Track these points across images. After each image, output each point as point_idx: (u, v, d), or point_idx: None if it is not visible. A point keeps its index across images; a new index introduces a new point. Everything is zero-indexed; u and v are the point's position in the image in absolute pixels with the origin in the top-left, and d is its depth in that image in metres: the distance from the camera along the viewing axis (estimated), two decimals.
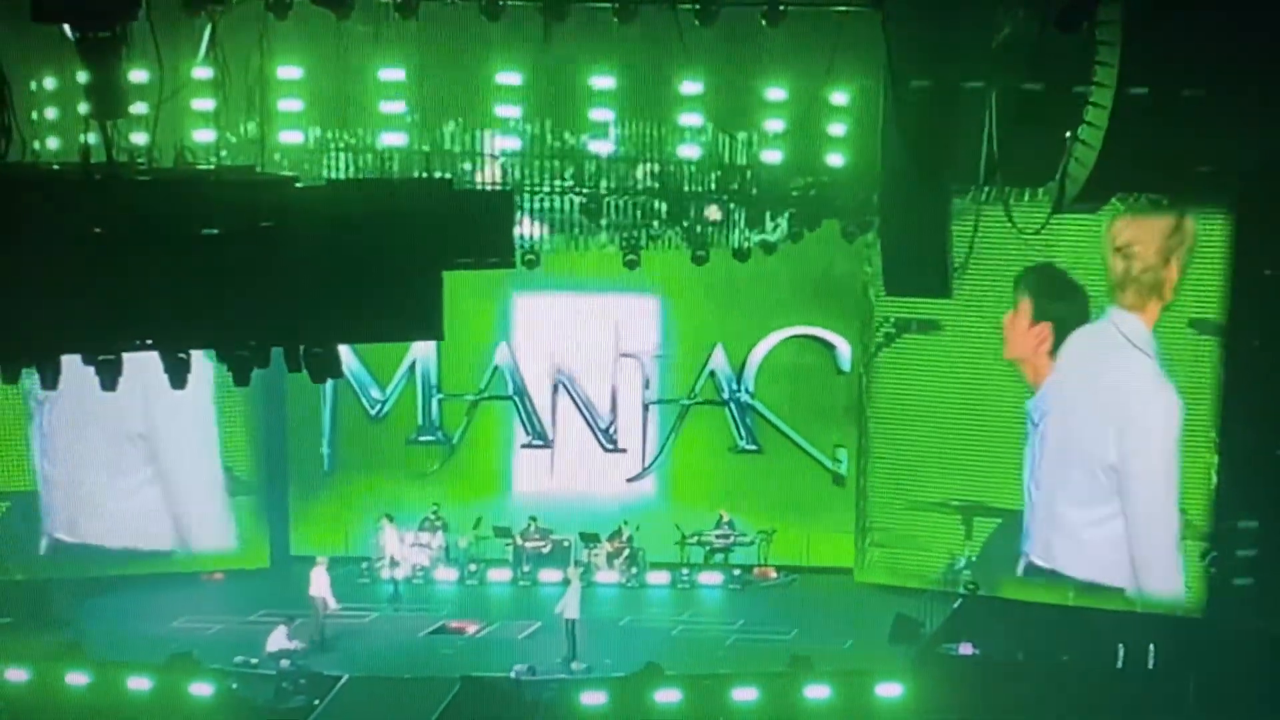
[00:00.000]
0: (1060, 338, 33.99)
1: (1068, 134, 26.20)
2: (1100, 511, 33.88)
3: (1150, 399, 33.29)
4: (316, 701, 30.10)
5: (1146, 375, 33.29)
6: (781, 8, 27.66)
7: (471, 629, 33.83)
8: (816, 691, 30.43)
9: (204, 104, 28.78)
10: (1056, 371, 34.09)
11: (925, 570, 35.35)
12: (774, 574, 37.05)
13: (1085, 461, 33.92)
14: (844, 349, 36.84)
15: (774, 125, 30.76)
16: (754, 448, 37.70)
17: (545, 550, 36.47)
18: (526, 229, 31.83)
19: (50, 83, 29.24)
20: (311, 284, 16.79)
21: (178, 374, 17.97)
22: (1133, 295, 33.31)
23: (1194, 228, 32.53)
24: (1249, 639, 31.04)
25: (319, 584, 32.87)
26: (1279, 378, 31.44)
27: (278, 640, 31.37)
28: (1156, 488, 33.27)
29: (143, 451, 35.65)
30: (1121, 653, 31.91)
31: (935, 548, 35.41)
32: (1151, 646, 31.83)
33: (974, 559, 34.89)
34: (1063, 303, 33.74)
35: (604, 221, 32.34)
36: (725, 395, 37.63)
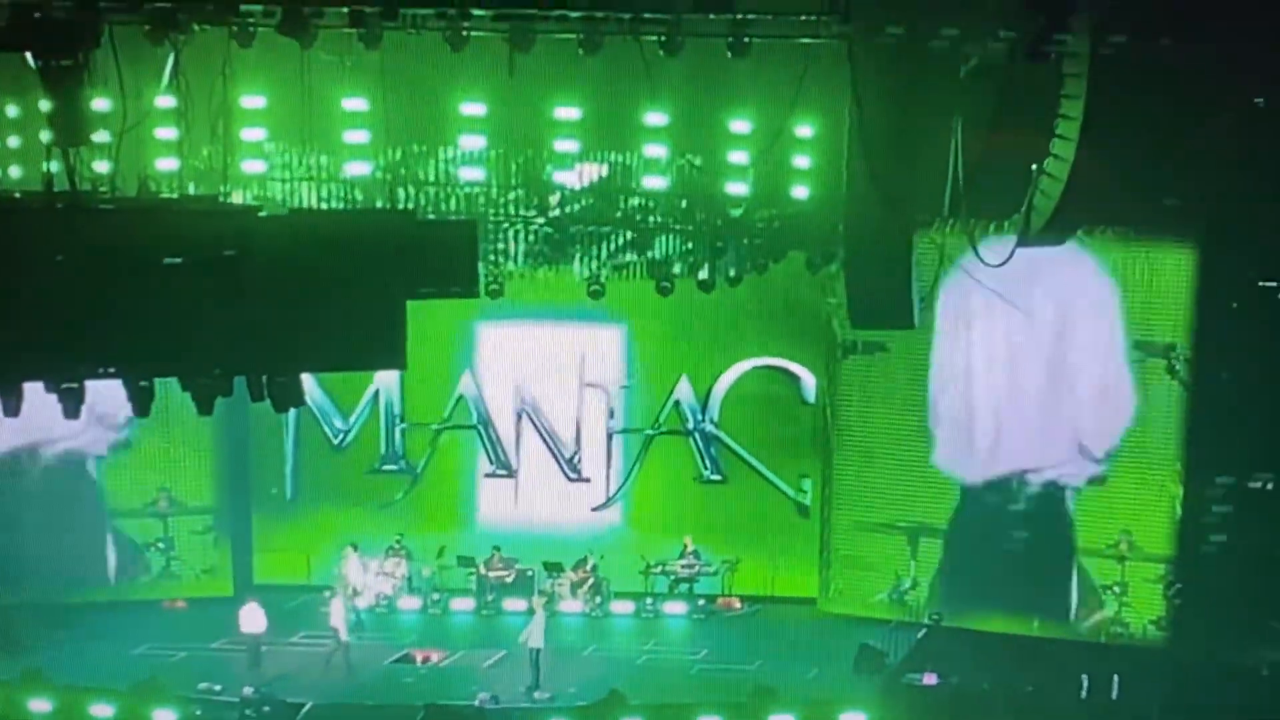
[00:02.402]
0: None
1: (1033, 166, 26.26)
2: None
3: None
4: None
5: None
6: (746, 39, 27.60)
7: (435, 657, 33.68)
8: None
9: (167, 132, 28.67)
10: None
11: (874, 592, 35.52)
12: (738, 604, 36.94)
13: None
14: (808, 380, 36.80)
15: (739, 157, 30.63)
16: (719, 478, 37.62)
17: (509, 579, 36.32)
18: (491, 258, 31.74)
19: (12, 110, 29.13)
20: (274, 313, 16.78)
21: (141, 402, 17.92)
22: None
23: None
24: (1212, 669, 31.04)
25: (336, 614, 33.01)
26: (1247, 410, 31.49)
27: (253, 620, 32.09)
28: None
29: None
30: (1086, 683, 31.84)
31: (884, 568, 35.57)
32: (1116, 676, 31.76)
33: (918, 580, 35.16)
34: None
35: (569, 251, 32.26)
36: (690, 425, 37.53)
